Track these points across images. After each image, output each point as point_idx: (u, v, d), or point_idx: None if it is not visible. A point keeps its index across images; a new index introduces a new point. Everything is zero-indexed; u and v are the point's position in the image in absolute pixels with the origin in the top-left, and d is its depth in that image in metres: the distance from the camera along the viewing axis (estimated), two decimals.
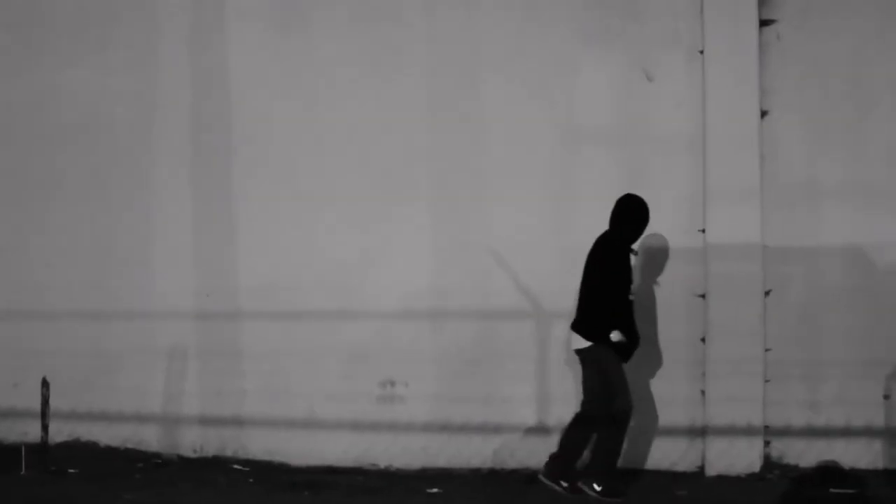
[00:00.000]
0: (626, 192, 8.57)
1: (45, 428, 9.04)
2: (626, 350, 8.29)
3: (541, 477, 8.34)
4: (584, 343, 8.27)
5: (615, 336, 8.20)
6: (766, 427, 8.92)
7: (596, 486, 8.18)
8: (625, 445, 8.35)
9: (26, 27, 9.93)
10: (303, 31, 9.60)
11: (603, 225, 8.84)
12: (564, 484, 8.27)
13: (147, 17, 9.79)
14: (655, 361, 9.05)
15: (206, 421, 9.57)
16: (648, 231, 8.62)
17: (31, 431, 9.32)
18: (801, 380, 8.96)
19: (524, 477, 8.89)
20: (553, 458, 8.36)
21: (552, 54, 9.34)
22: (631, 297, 8.27)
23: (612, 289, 8.19)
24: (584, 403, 8.36)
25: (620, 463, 8.44)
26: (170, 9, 9.75)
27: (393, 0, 9.55)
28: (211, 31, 9.72)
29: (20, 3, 9.96)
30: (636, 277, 8.77)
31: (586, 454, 8.36)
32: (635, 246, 8.41)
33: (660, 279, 9.10)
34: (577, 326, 8.33)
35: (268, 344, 9.48)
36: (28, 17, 9.94)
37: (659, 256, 9.12)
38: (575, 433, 8.35)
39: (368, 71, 9.53)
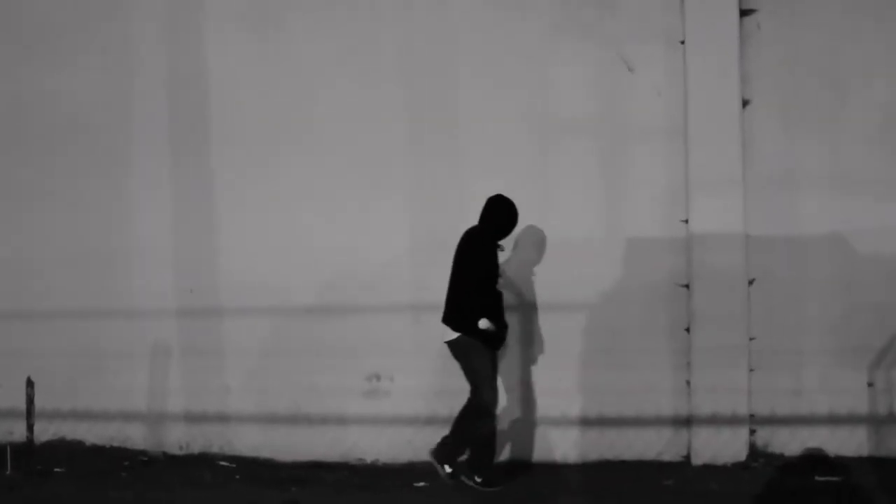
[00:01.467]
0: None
1: (30, 427, 9.00)
2: (495, 339, 8.42)
3: (429, 453, 8.54)
4: (453, 335, 8.42)
5: (483, 323, 8.32)
6: (752, 416, 8.97)
7: (476, 479, 8.42)
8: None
9: (3, 32, 9.88)
10: (278, 31, 9.59)
11: (583, 217, 9.02)
12: (448, 469, 8.46)
13: (126, 17, 9.72)
14: (640, 352, 9.08)
15: (191, 418, 9.54)
16: (633, 220, 8.82)
17: (16, 431, 9.31)
18: (786, 368, 9.00)
19: (509, 467, 8.96)
20: (443, 441, 8.52)
21: (536, 48, 9.33)
22: (499, 289, 8.43)
23: (482, 281, 8.35)
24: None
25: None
26: (149, 9, 9.69)
27: None
28: (189, 32, 9.67)
29: None
30: (623, 268, 8.95)
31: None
32: (502, 242, 8.56)
33: (629, 270, 9.15)
34: (447, 319, 8.46)
35: (252, 340, 9.47)
36: (5, 23, 9.89)
37: (642, 246, 9.17)
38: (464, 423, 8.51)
39: (347, 69, 9.52)
